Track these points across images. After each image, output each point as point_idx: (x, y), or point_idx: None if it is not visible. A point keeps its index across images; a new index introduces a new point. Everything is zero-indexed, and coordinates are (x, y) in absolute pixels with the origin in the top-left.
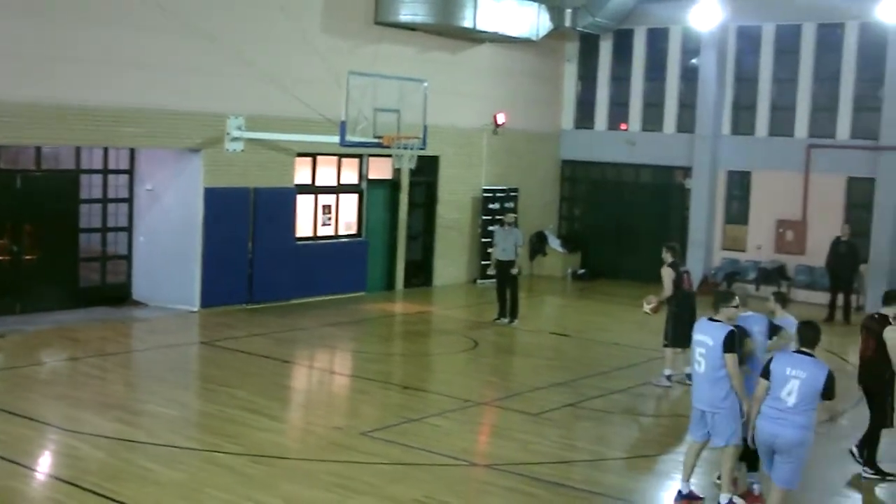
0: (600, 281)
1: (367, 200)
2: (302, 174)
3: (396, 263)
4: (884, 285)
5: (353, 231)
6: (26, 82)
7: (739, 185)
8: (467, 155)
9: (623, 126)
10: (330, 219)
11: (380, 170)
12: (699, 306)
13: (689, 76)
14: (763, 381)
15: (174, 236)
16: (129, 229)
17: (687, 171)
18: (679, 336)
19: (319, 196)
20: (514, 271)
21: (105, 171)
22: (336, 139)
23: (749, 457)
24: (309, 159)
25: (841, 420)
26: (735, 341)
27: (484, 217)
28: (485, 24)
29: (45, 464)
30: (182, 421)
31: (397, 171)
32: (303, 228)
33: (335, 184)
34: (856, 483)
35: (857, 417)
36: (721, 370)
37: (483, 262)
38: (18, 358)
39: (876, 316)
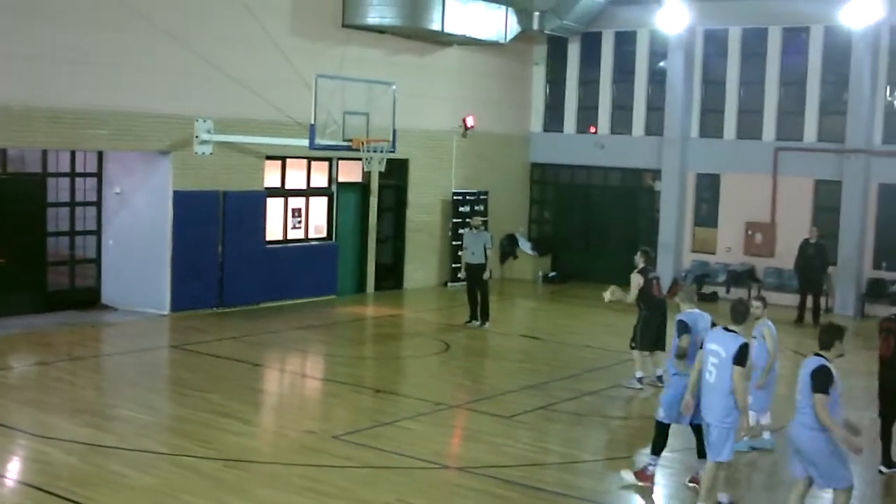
0: (571, 284)
1: (337, 203)
2: (271, 177)
3: (367, 267)
4: (852, 287)
5: (324, 234)
6: None
7: (708, 188)
8: (437, 158)
9: (592, 129)
10: (300, 222)
11: (349, 173)
12: (670, 309)
13: (657, 79)
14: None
15: (143, 240)
16: (97, 233)
17: (656, 173)
18: (647, 340)
19: (289, 199)
20: (486, 275)
21: (73, 175)
22: (305, 142)
23: (659, 441)
24: (278, 162)
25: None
26: (746, 355)
27: (454, 220)
28: (453, 26)
29: (15, 470)
30: (154, 425)
31: (367, 175)
32: (273, 232)
33: (305, 187)
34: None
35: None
36: (730, 382)
37: (454, 265)
38: None
39: (893, 317)
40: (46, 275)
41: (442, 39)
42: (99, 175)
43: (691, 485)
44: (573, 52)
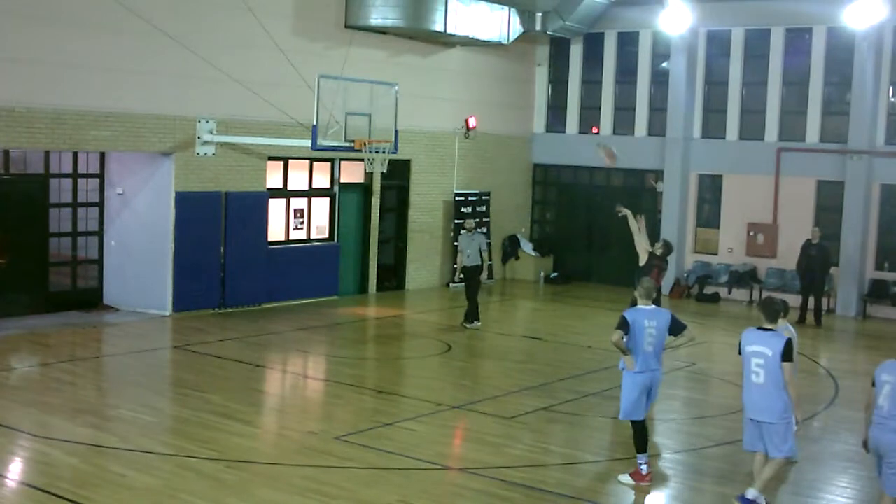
0: (573, 284)
1: (340, 204)
2: (274, 178)
3: (369, 267)
4: (854, 288)
5: (326, 235)
6: None
7: (710, 189)
8: (439, 158)
9: (594, 129)
10: (302, 223)
11: (352, 174)
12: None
13: (660, 80)
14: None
15: (145, 240)
16: (99, 233)
17: (658, 174)
18: None
19: (291, 200)
20: (484, 277)
21: (75, 175)
22: (308, 143)
23: (639, 439)
24: (280, 163)
25: (813, 422)
26: (792, 350)
27: (456, 221)
28: (455, 27)
29: (16, 471)
30: (155, 426)
31: (369, 175)
32: (275, 232)
33: (307, 188)
34: None
35: (829, 419)
36: (782, 378)
37: (454, 266)
38: None
39: None
40: (48, 275)
41: (444, 40)
42: (101, 176)
43: (625, 478)
44: (576, 52)
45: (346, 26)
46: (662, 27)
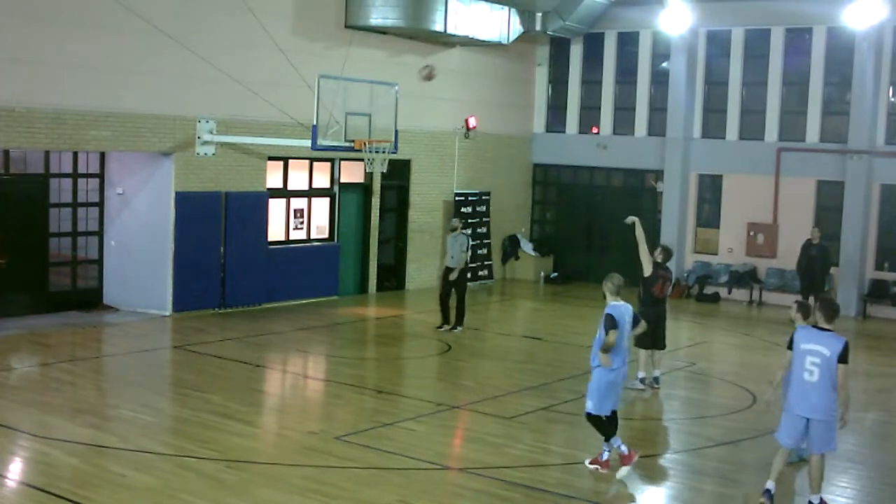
0: (573, 284)
1: (340, 204)
2: (274, 178)
3: (369, 267)
4: (854, 288)
5: (326, 235)
6: None
7: (710, 189)
8: (439, 158)
9: (595, 129)
10: (302, 223)
11: (352, 173)
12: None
13: (660, 80)
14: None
15: (145, 240)
16: (99, 233)
17: (658, 174)
18: (642, 337)
19: (291, 200)
20: (454, 276)
21: (75, 175)
22: (308, 143)
23: (606, 428)
24: (280, 163)
25: None
26: (849, 352)
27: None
28: (455, 27)
29: (16, 471)
30: (155, 426)
31: (369, 175)
32: (275, 232)
33: (307, 188)
34: None
35: None
36: (836, 380)
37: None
38: None
39: None
40: (48, 275)
41: (444, 40)
42: (101, 176)
43: (591, 466)
44: (576, 52)
45: (346, 26)
46: (662, 27)
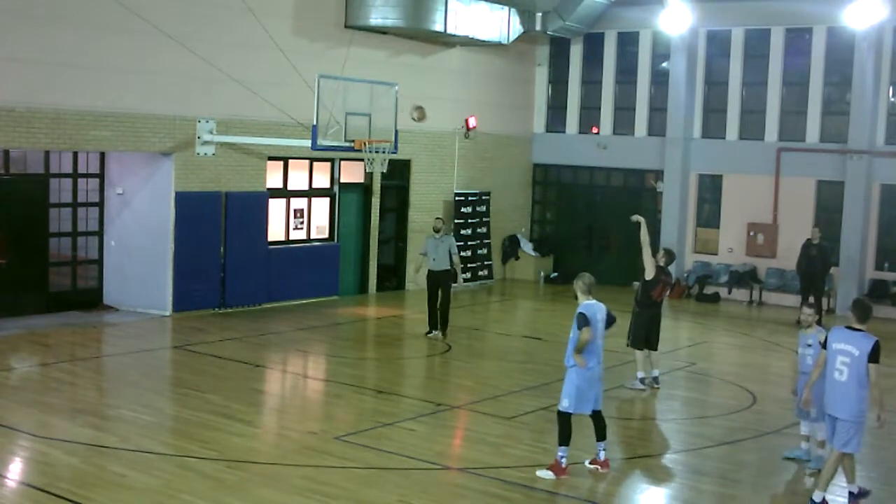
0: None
1: (340, 204)
2: (273, 178)
3: (369, 267)
4: (854, 288)
5: (326, 235)
6: None
7: (711, 189)
8: (439, 159)
9: (595, 129)
10: (302, 223)
11: (352, 174)
12: (671, 311)
13: (660, 80)
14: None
15: (145, 240)
16: (99, 233)
17: (658, 174)
18: (636, 337)
19: (291, 200)
20: (454, 283)
21: (75, 175)
22: (308, 143)
23: (569, 432)
24: (280, 163)
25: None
26: (880, 352)
27: (456, 221)
28: (455, 27)
29: (16, 471)
30: (155, 426)
31: (369, 175)
32: (275, 233)
33: (307, 188)
34: None
35: None
36: (866, 378)
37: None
38: None
39: None
40: (48, 275)
41: (444, 40)
42: (101, 176)
43: (591, 466)
44: (576, 52)
45: (346, 26)
46: (662, 27)
